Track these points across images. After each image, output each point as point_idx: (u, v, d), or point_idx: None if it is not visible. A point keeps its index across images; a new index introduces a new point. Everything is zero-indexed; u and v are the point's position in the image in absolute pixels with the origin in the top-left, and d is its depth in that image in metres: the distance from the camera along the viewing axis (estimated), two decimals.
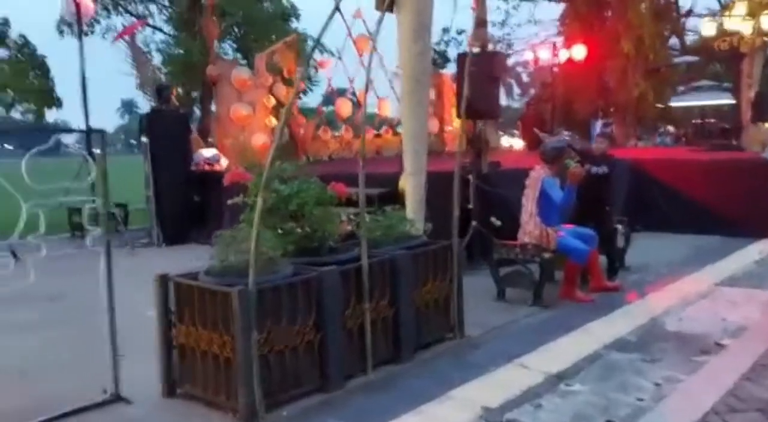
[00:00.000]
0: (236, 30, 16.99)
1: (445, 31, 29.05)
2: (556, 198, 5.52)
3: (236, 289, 3.22)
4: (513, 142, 23.27)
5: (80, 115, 8.92)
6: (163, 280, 3.62)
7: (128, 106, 76.12)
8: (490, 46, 9.03)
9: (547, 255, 5.50)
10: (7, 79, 11.63)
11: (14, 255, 3.50)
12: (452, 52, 27.77)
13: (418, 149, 6.52)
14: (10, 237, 3.18)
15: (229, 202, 3.95)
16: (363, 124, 5.55)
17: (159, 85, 9.76)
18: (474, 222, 6.87)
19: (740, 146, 13.88)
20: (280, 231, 3.94)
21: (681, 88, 24.13)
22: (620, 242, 6.86)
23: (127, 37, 11.10)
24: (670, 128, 28.02)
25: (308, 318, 3.59)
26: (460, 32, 28.07)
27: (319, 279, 3.64)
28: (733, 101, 17.94)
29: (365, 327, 3.91)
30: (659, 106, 21.87)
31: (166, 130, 9.82)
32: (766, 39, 14.20)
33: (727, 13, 15.42)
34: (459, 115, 7.15)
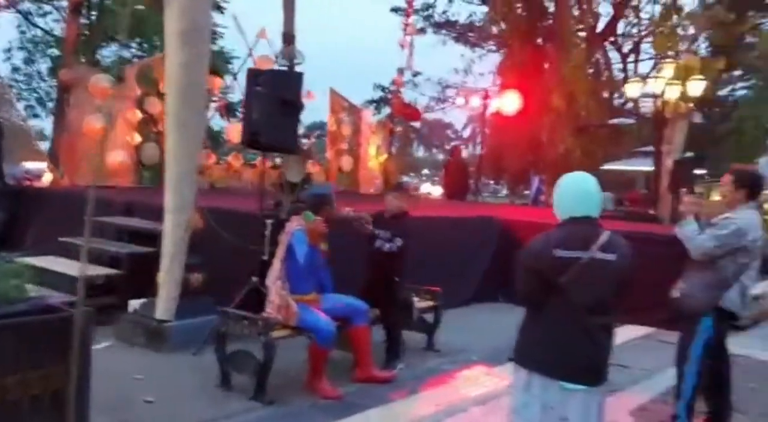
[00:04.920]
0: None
1: (401, 71, 27.44)
2: (300, 257, 4.23)
3: None
4: (433, 190, 22.09)
5: None
6: None
7: None
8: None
9: (276, 333, 4.16)
10: None
11: None
12: (408, 95, 23.28)
13: (181, 180, 5.26)
14: None
15: None
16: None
17: None
18: (254, 278, 5.53)
19: (657, 217, 12.98)
20: None
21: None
22: (430, 318, 5.60)
23: None
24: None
25: None
26: (415, 75, 25.98)
27: None
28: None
29: None
30: (594, 167, 21.03)
31: None
32: (690, 105, 13.45)
33: (654, 74, 14.67)
34: (243, 143, 5.90)
